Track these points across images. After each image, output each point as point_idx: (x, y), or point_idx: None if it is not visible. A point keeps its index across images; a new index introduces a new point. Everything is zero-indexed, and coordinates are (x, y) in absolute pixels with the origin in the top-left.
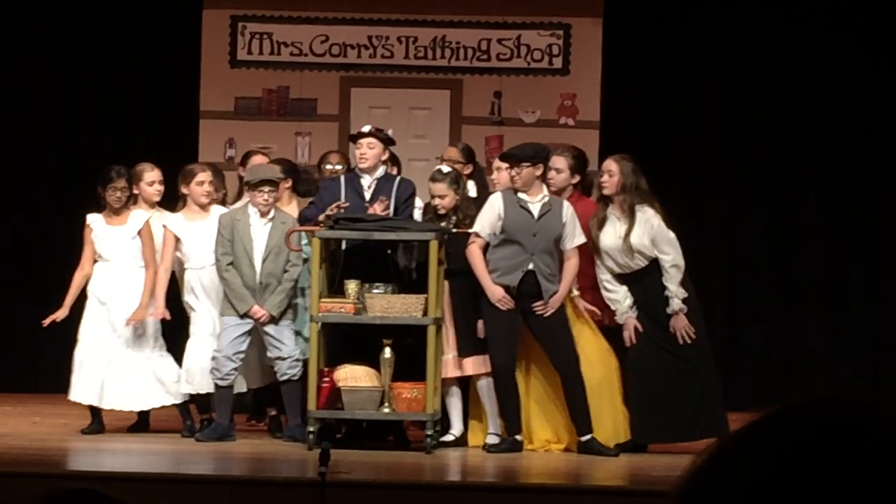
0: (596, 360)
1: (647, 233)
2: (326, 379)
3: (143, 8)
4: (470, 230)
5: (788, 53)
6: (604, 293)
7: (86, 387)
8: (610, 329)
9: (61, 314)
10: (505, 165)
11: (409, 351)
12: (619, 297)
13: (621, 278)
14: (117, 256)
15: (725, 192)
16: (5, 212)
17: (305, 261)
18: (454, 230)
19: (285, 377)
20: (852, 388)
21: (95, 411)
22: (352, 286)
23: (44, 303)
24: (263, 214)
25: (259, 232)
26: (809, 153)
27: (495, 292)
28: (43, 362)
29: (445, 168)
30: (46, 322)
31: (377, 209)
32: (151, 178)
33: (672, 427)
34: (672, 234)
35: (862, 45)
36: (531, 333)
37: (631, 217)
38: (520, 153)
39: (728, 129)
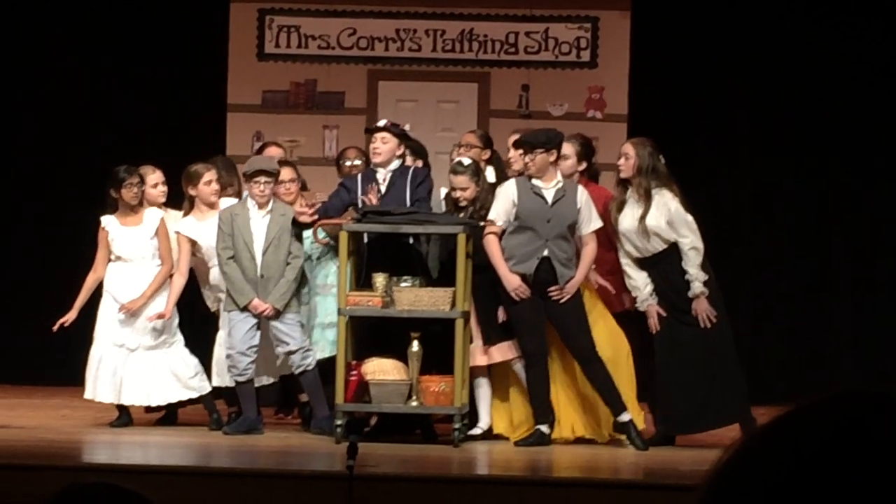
0: (603, 341)
1: (663, 215)
2: (354, 372)
3: (170, 1)
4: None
5: (816, 45)
6: (626, 279)
7: (104, 385)
8: (624, 314)
9: (70, 317)
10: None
11: (434, 339)
12: (640, 284)
13: (641, 263)
14: (136, 256)
15: (753, 183)
16: (37, 204)
17: (309, 258)
18: (481, 223)
19: (300, 369)
20: (882, 380)
21: (122, 405)
22: (380, 280)
23: (75, 294)
24: (261, 206)
25: (258, 224)
26: (837, 144)
27: (512, 281)
28: (73, 356)
29: (466, 160)
30: (56, 326)
31: (371, 199)
32: (154, 181)
33: (699, 417)
34: (690, 217)
35: (892, 34)
36: (548, 319)
37: (647, 200)
38: (533, 139)
39: (756, 121)
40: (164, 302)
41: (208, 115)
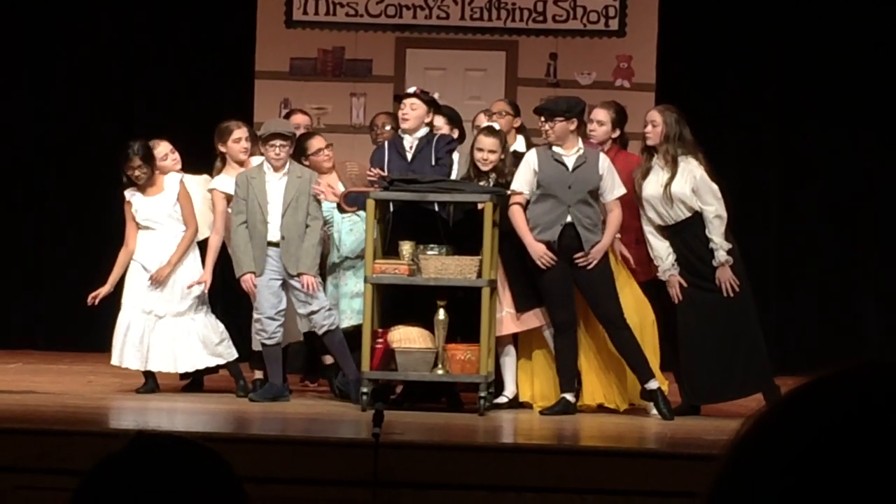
0: (629, 308)
1: (688, 182)
2: (380, 340)
3: None
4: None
5: (847, 14)
6: (648, 248)
7: (131, 351)
8: (650, 283)
9: (105, 291)
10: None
11: (460, 307)
12: (662, 254)
13: (663, 231)
14: (161, 224)
15: (782, 154)
16: (65, 172)
17: (326, 222)
18: (508, 192)
19: (324, 329)
20: None
21: (148, 371)
22: (406, 247)
23: (102, 261)
24: (277, 169)
25: (274, 187)
26: (867, 116)
27: (537, 249)
28: (98, 322)
29: (497, 126)
30: (90, 299)
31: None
32: (163, 152)
33: (722, 387)
34: (715, 185)
35: None
36: (576, 285)
37: (674, 167)
38: (553, 107)
39: (785, 90)
40: (192, 265)
41: (236, 82)
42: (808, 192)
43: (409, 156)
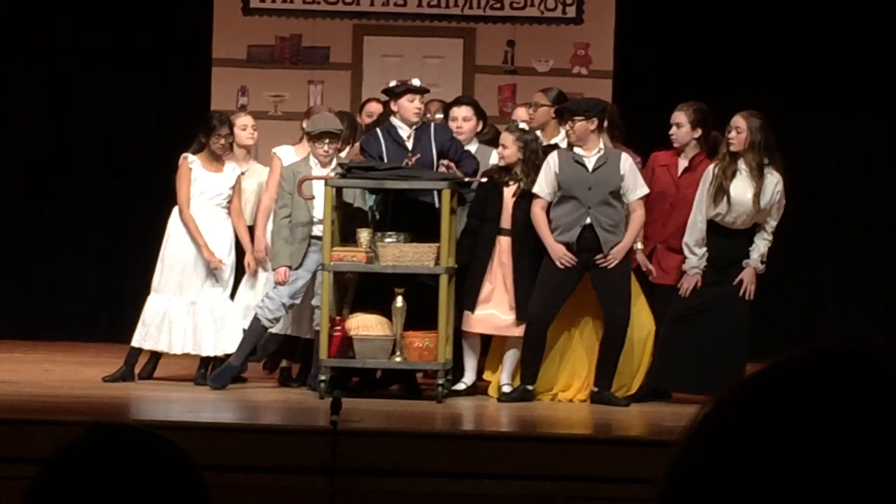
0: (646, 315)
1: (773, 199)
2: (338, 328)
3: None
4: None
5: (806, 1)
6: (689, 237)
7: (176, 337)
8: (653, 286)
9: (217, 260)
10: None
11: (425, 296)
12: (698, 253)
13: (713, 227)
14: (207, 202)
15: None
16: (23, 159)
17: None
18: (466, 180)
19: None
20: (868, 338)
21: (155, 357)
22: (363, 234)
23: (56, 250)
24: (324, 165)
25: (321, 182)
26: (828, 99)
27: (557, 250)
28: (55, 309)
29: (522, 124)
30: (218, 263)
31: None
32: (244, 123)
33: (694, 379)
34: (784, 202)
35: None
36: (591, 285)
37: (760, 177)
38: (573, 107)
39: (744, 76)
40: (225, 249)
41: (193, 70)
42: None
43: (410, 145)
